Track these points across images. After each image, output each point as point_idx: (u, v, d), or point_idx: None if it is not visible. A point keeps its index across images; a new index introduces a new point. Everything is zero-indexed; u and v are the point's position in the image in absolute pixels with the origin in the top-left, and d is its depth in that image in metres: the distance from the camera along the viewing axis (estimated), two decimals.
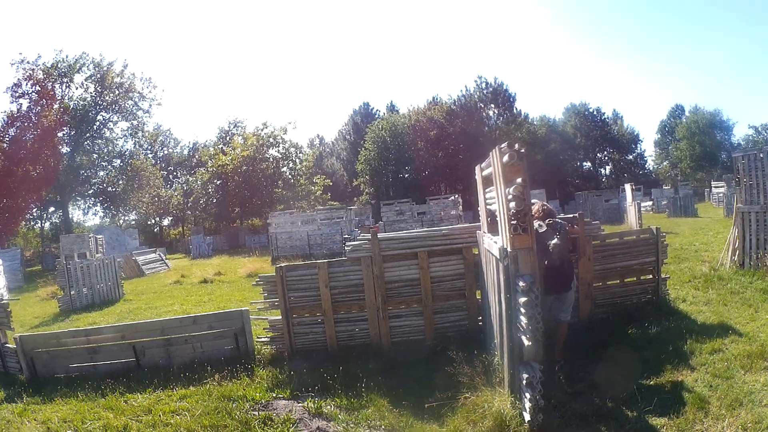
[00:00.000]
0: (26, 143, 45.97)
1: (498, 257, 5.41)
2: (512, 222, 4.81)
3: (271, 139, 51.71)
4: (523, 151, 4.85)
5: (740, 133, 70.67)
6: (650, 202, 41.02)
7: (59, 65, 49.16)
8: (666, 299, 8.58)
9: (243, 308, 8.27)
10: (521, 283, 4.73)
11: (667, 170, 73.72)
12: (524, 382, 4.78)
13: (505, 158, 4.87)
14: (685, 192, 39.16)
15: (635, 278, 8.55)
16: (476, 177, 7.16)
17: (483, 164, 6.48)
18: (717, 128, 69.28)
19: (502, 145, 5.00)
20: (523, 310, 4.68)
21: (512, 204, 4.79)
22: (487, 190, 6.53)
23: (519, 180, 4.74)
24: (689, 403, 5.15)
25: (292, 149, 53.29)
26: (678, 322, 7.58)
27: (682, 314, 8.02)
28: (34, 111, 46.79)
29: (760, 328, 7.03)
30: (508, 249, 4.95)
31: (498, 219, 5.49)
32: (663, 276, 8.75)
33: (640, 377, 5.92)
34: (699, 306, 8.44)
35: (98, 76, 51.15)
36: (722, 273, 10.38)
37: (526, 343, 4.72)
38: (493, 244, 5.82)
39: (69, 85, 50.76)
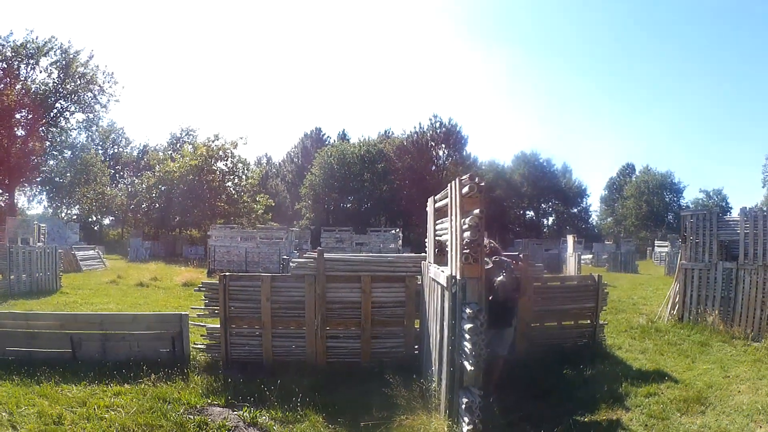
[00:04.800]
0: None
1: (445, 285, 5.55)
2: (464, 251, 4.96)
3: (220, 152, 50.87)
4: (483, 184, 5.06)
5: (690, 196, 71.34)
6: (590, 255, 41.60)
7: (28, 45, 47.19)
8: (602, 345, 8.92)
9: (183, 312, 8.22)
10: (468, 310, 4.88)
11: (610, 226, 74.96)
12: (463, 406, 4.87)
13: (465, 189, 5.07)
14: (627, 248, 39.81)
15: (572, 322, 8.84)
16: (428, 209, 7.33)
17: (437, 196, 6.67)
18: (667, 189, 71.03)
19: (463, 177, 5.21)
20: (467, 336, 4.81)
21: (467, 233, 4.96)
22: (438, 222, 6.70)
23: (476, 211, 4.93)
24: None
25: (240, 165, 52.50)
26: (613, 366, 7.89)
27: (618, 360, 8.35)
28: None
29: (696, 377, 7.39)
30: (458, 277, 5.10)
31: (449, 248, 5.66)
32: (601, 322, 9.07)
33: (574, 413, 6.13)
34: (635, 354, 8.81)
35: (63, 62, 49.36)
36: (660, 325, 10.92)
37: (468, 368, 4.85)
38: (440, 273, 5.98)
39: (34, 67, 48.94)
